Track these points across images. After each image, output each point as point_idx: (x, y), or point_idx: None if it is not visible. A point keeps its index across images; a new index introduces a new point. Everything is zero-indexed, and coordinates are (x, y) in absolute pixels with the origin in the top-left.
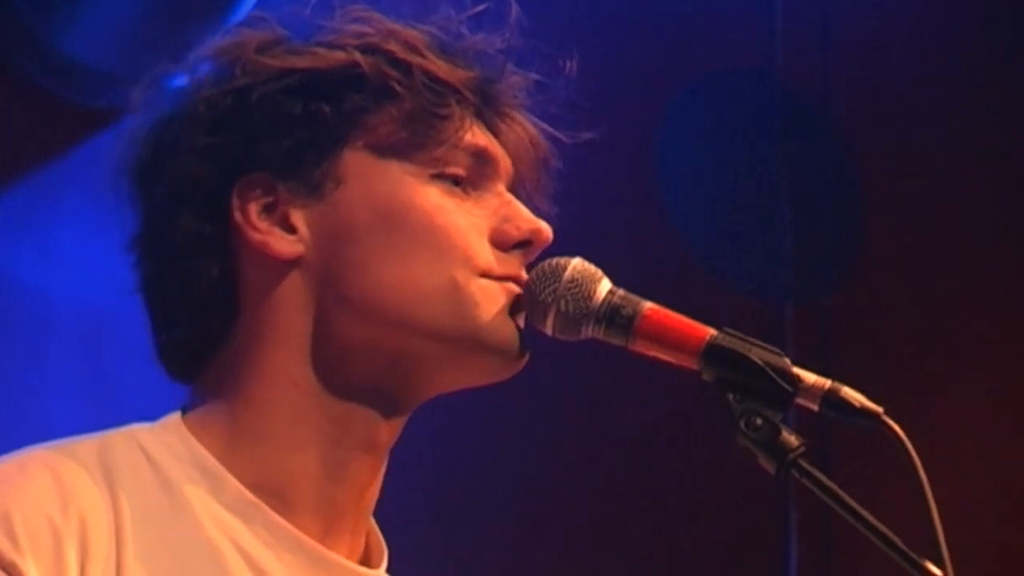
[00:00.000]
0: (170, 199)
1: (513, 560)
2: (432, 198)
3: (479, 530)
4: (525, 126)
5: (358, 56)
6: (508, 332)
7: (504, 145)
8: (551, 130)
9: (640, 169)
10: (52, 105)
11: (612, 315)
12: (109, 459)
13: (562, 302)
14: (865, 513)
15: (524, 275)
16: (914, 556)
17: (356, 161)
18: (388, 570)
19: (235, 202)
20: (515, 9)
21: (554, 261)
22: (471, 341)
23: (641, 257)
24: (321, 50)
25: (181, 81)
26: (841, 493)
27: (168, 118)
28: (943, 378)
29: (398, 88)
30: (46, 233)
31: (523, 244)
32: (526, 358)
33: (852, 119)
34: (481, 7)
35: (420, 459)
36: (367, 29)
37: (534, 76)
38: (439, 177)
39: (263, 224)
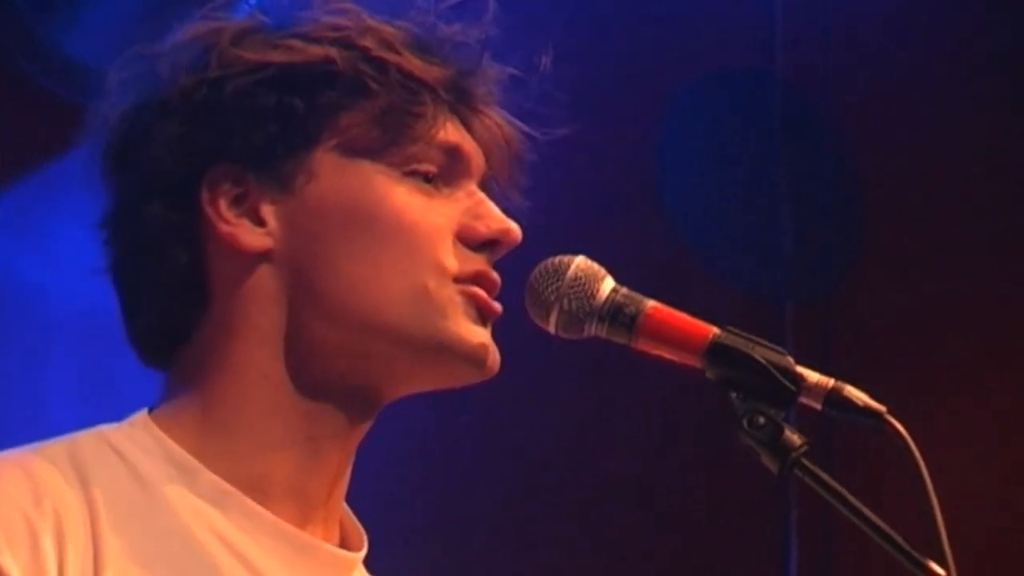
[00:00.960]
0: (141, 186)
1: (512, 559)
2: (402, 197)
3: (478, 529)
4: (499, 122)
5: (333, 52)
6: (473, 339)
7: (478, 141)
8: (524, 127)
9: (640, 169)
10: (52, 105)
11: (615, 313)
12: (79, 458)
13: (565, 300)
14: (868, 512)
15: (492, 273)
16: (917, 555)
17: (328, 157)
18: (369, 554)
19: (204, 192)
20: (492, 3)
21: (557, 259)
22: (436, 347)
23: (641, 257)
24: (297, 43)
25: (155, 64)
26: (844, 492)
27: (142, 103)
28: (943, 378)
29: (372, 86)
30: (46, 233)
31: (491, 243)
32: (495, 364)
33: (852, 119)
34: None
35: (420, 454)
36: (344, 23)
37: (510, 70)
38: (411, 175)
39: (232, 215)
